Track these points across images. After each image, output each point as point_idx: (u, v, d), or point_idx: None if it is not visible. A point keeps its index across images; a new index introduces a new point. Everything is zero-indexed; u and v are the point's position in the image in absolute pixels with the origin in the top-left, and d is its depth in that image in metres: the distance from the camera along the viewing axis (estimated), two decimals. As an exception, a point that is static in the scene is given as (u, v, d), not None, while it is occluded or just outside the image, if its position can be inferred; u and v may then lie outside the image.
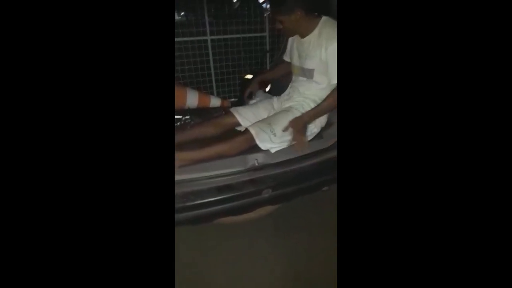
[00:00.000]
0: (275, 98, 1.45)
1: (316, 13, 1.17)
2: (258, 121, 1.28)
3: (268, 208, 1.30)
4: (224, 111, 1.44)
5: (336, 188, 0.53)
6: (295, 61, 1.32)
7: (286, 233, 1.37)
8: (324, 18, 1.19)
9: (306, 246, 1.29)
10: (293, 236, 1.35)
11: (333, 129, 1.37)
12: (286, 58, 1.45)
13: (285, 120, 1.23)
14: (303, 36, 1.22)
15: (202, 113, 1.63)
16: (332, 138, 1.31)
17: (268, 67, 2.04)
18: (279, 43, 1.99)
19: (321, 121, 1.33)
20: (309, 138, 1.30)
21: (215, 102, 1.86)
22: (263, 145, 1.17)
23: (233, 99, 2.08)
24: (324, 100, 1.22)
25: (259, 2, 1.93)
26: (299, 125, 1.20)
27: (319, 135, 1.36)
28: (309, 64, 1.24)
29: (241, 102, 1.90)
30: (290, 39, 1.36)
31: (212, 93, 2.03)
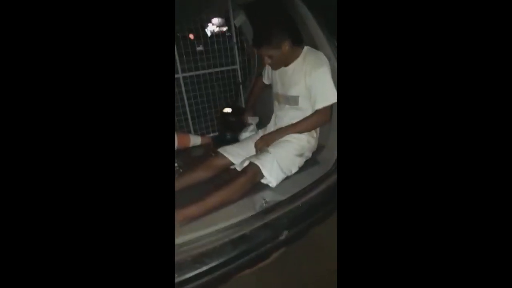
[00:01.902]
0: (260, 132, 1.42)
1: (297, 44, 1.20)
2: (255, 154, 1.22)
3: (281, 250, 1.20)
4: (213, 153, 1.34)
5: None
6: (279, 90, 1.32)
7: (298, 267, 1.27)
8: (306, 47, 1.23)
9: (319, 272, 1.20)
10: (305, 268, 1.26)
11: (326, 152, 1.37)
12: (265, 80, 1.47)
13: (282, 150, 1.19)
14: (286, 64, 1.23)
15: (189, 159, 1.50)
16: (328, 161, 1.30)
17: (242, 98, 2.02)
18: (250, 74, 2.01)
19: (312, 145, 1.32)
20: (302, 163, 1.28)
21: (195, 140, 1.74)
22: (269, 174, 1.10)
23: (211, 134, 1.98)
24: (300, 122, 1.23)
25: (227, 36, 1.94)
26: (268, 140, 1.24)
27: (314, 161, 1.34)
28: (293, 91, 1.24)
29: (222, 136, 1.82)
30: (267, 66, 1.37)
31: (189, 131, 1.91)
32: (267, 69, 1.42)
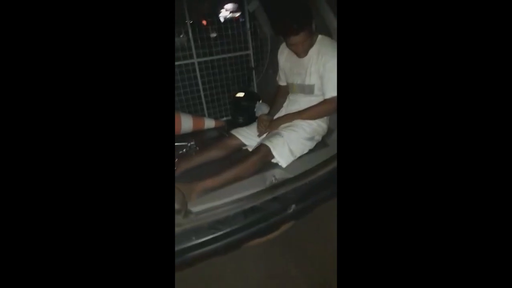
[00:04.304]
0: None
1: (314, 31, 1.20)
2: (267, 136, 1.29)
3: (289, 224, 1.29)
4: (226, 134, 1.42)
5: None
6: (294, 80, 1.34)
7: (305, 244, 1.36)
8: (320, 36, 1.24)
9: (325, 253, 1.29)
10: (313, 245, 1.35)
11: (335, 135, 1.42)
12: (281, 82, 1.46)
13: (294, 134, 1.25)
14: (303, 54, 1.24)
15: (204, 138, 1.59)
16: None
17: (255, 83, 2.07)
18: (263, 59, 2.04)
19: (323, 129, 1.37)
20: (312, 146, 1.33)
21: (209, 123, 1.83)
22: (279, 156, 1.18)
23: (225, 118, 2.06)
24: (307, 109, 1.27)
25: (240, 22, 1.97)
26: (274, 125, 1.31)
27: (324, 143, 1.40)
28: (310, 80, 1.27)
29: (235, 120, 1.89)
30: (281, 61, 1.39)
31: (204, 115, 1.99)
32: (281, 65, 1.42)
